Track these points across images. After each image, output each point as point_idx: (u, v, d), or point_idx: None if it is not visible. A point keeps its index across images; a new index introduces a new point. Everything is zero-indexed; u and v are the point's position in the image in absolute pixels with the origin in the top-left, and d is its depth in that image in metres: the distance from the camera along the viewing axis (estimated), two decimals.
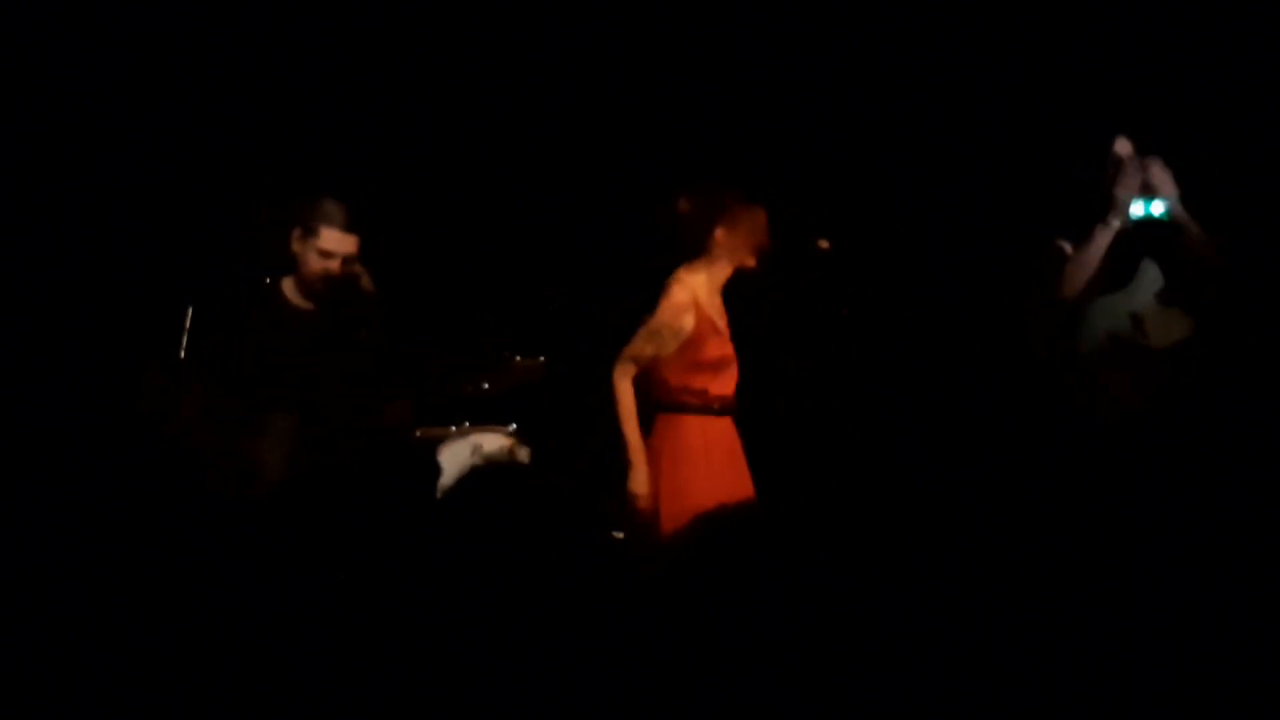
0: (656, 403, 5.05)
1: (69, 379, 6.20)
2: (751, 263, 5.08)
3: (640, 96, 6.72)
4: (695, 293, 5.03)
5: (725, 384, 5.09)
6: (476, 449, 6.19)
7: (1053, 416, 5.11)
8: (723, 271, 5.09)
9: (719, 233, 5.03)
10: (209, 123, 6.62)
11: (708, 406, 5.07)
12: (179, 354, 5.48)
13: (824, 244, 5.38)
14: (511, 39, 6.75)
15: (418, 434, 6.23)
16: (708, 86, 6.60)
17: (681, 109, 6.62)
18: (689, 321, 5.00)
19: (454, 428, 6.30)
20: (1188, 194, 5.10)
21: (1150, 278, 5.23)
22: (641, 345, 5.00)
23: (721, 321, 5.12)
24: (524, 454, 6.19)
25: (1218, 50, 5.60)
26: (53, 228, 6.43)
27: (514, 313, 6.63)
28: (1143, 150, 5.15)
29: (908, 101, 6.24)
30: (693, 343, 5.01)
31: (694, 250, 5.05)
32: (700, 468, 5.01)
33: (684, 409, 5.04)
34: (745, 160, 6.45)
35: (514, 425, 6.33)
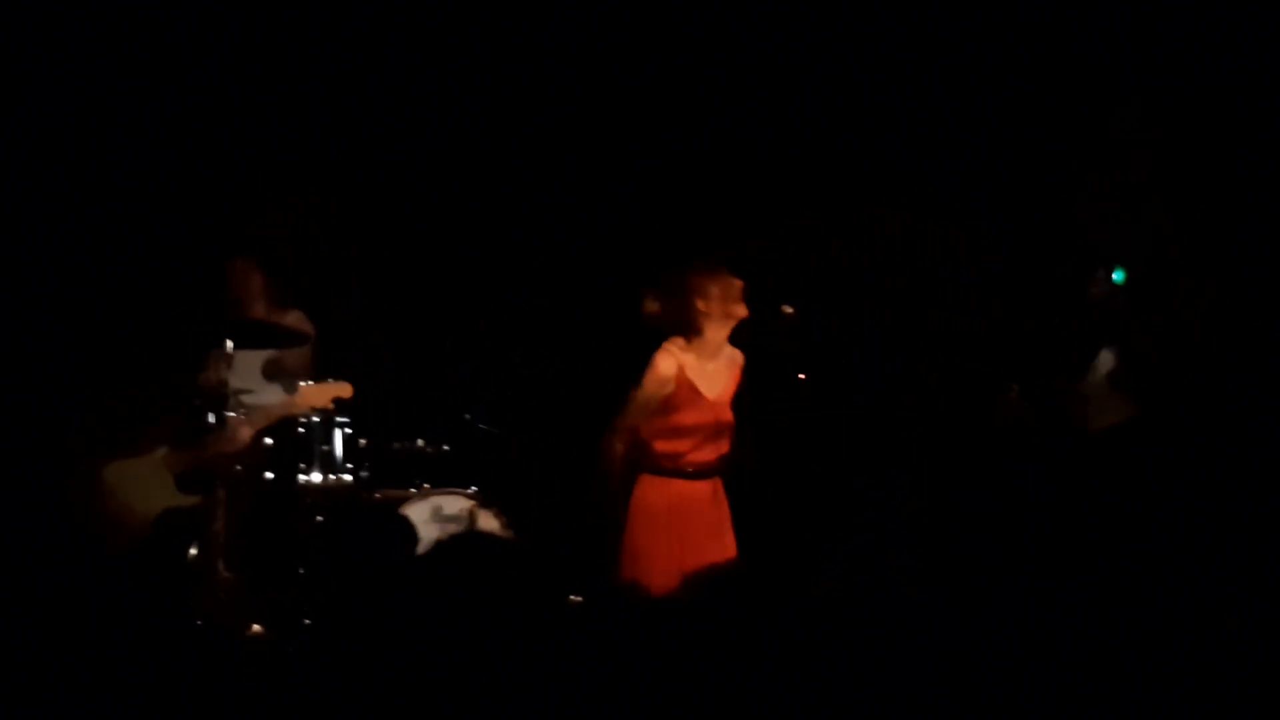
0: (635, 463, 5.30)
1: None
2: (742, 313, 5.28)
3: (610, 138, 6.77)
4: (680, 361, 5.26)
5: (705, 449, 5.30)
6: (437, 511, 6.12)
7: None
8: (718, 334, 5.30)
9: (699, 305, 5.25)
10: (202, 123, 6.61)
11: (679, 470, 5.29)
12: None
13: (788, 310, 5.43)
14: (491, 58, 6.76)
15: (378, 496, 6.16)
16: (683, 121, 6.67)
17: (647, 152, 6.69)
18: (669, 390, 5.24)
19: (414, 490, 6.22)
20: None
21: (1104, 361, 5.52)
22: (629, 415, 5.26)
23: (715, 388, 5.32)
24: (485, 517, 6.13)
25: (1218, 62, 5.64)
26: None
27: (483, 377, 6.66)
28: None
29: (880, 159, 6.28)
30: (671, 409, 5.25)
31: (685, 328, 5.28)
32: (660, 530, 5.23)
33: (656, 471, 5.30)
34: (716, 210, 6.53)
35: (475, 487, 6.26)
